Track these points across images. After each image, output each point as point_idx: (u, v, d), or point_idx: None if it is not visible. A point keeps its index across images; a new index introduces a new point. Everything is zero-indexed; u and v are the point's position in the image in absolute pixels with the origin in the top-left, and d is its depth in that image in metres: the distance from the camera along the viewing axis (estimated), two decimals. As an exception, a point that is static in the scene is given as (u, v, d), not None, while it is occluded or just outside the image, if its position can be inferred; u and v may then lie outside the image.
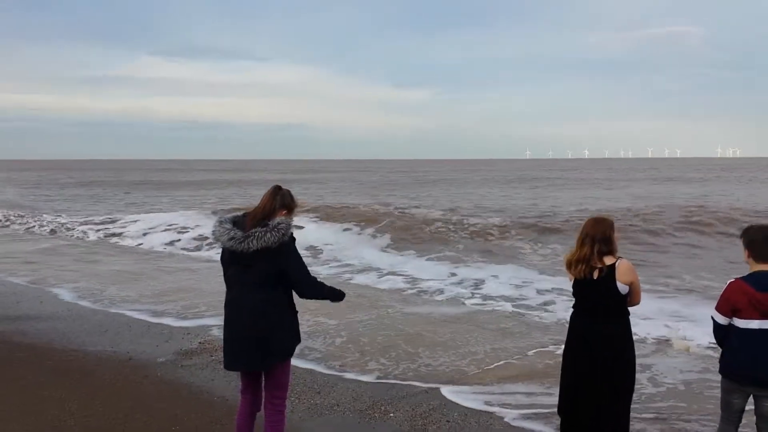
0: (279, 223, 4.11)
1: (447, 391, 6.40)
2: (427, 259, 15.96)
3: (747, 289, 4.14)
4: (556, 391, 4.85)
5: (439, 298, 11.47)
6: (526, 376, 6.88)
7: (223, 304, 4.31)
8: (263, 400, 4.42)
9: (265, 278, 4.11)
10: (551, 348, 7.82)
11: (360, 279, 13.38)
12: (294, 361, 6.34)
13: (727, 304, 4.24)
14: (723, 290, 4.29)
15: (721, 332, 4.33)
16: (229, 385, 6.29)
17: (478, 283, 12.71)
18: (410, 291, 12.07)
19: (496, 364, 7.29)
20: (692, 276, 13.61)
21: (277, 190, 4.29)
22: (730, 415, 4.40)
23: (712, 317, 4.36)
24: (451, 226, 20.51)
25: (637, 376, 4.81)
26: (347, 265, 15.15)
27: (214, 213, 22.55)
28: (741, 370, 4.25)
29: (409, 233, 19.50)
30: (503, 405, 6.05)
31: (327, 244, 17.83)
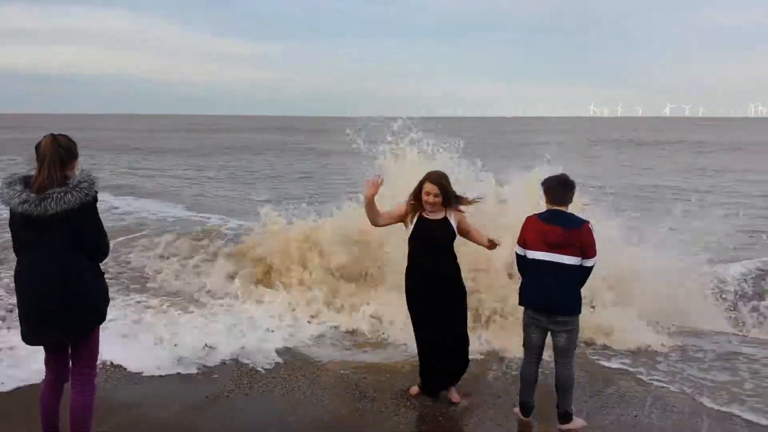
0: (81, 182, 3.74)
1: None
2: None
3: (536, 221, 4.78)
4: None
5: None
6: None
7: (15, 271, 3.87)
8: (70, 370, 4.07)
9: (69, 241, 3.75)
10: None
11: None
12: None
13: (521, 236, 4.86)
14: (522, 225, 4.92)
15: (519, 262, 4.93)
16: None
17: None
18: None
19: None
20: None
21: (53, 138, 3.83)
22: (531, 352, 4.92)
23: (515, 250, 4.94)
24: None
25: None
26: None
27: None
28: (530, 296, 4.82)
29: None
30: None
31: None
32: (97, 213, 3.88)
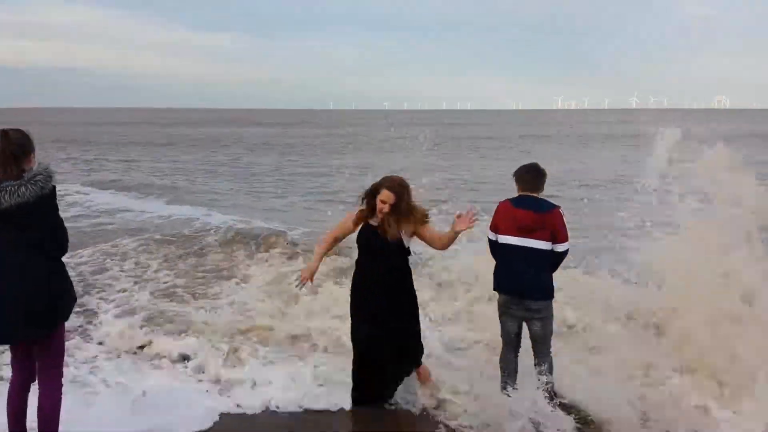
0: (36, 175, 3.66)
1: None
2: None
3: (508, 206, 4.75)
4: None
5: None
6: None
7: None
8: (38, 371, 3.97)
9: (29, 236, 3.67)
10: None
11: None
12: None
13: (493, 222, 4.82)
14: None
15: (491, 247, 4.89)
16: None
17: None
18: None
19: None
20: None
21: (5, 134, 3.73)
22: (508, 340, 4.88)
23: (487, 236, 4.89)
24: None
25: None
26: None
27: None
28: (502, 281, 4.78)
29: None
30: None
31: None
32: (56, 207, 3.80)
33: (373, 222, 4.73)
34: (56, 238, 3.81)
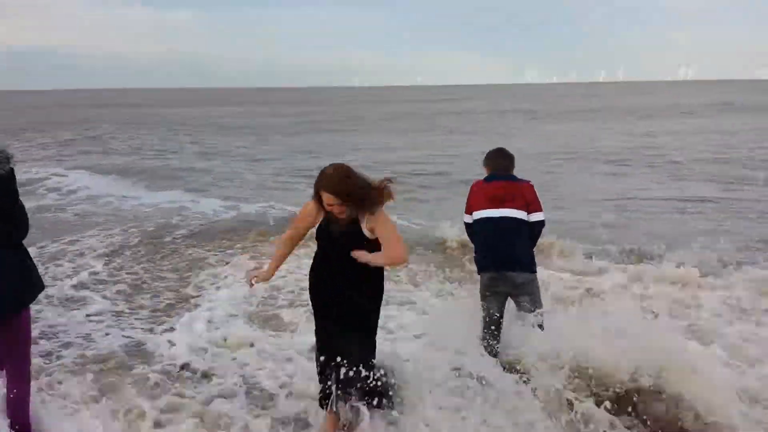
0: None
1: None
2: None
3: (480, 184, 4.89)
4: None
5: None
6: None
7: None
8: (5, 360, 3.91)
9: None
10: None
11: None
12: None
13: (468, 204, 4.93)
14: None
15: (468, 231, 5.00)
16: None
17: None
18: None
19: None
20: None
21: None
22: (490, 324, 4.81)
23: (464, 220, 5.00)
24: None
25: None
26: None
27: None
28: (483, 259, 4.80)
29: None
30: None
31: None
32: (15, 190, 3.72)
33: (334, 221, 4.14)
34: (16, 222, 3.71)
